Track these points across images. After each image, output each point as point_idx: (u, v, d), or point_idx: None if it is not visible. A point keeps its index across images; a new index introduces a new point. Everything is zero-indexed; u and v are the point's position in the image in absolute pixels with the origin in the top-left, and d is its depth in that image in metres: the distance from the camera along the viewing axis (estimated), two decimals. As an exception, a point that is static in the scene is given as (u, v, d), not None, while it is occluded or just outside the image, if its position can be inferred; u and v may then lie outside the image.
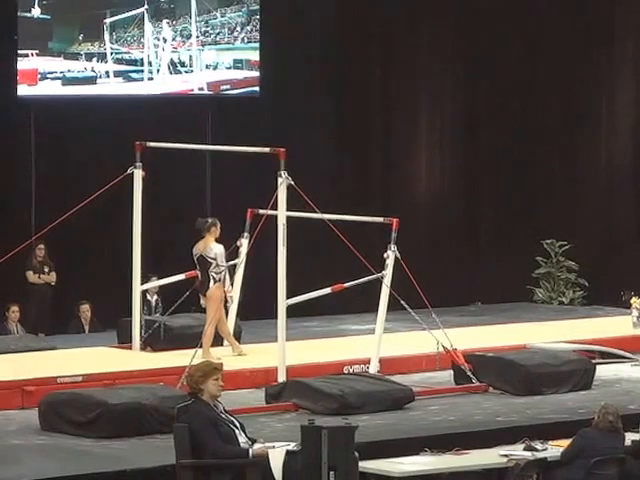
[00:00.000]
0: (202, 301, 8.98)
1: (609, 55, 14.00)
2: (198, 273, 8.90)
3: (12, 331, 10.99)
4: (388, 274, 8.56)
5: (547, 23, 13.68)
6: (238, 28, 12.54)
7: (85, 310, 11.41)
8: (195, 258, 8.90)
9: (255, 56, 12.58)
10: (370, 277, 8.68)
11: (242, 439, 6.15)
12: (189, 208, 12.47)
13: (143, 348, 9.18)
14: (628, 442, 6.76)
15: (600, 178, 14.08)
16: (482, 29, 13.44)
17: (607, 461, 6.59)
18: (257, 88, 12.53)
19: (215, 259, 8.79)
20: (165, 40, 12.10)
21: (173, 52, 12.36)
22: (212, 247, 8.83)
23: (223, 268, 8.77)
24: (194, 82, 12.43)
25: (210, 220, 8.94)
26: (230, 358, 8.51)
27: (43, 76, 11.77)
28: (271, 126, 11.98)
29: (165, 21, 12.04)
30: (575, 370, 8.54)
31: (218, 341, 9.22)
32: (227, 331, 9.01)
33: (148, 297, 10.86)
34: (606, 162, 14.08)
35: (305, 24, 12.72)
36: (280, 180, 8.25)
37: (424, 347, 8.84)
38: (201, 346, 8.51)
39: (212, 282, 8.80)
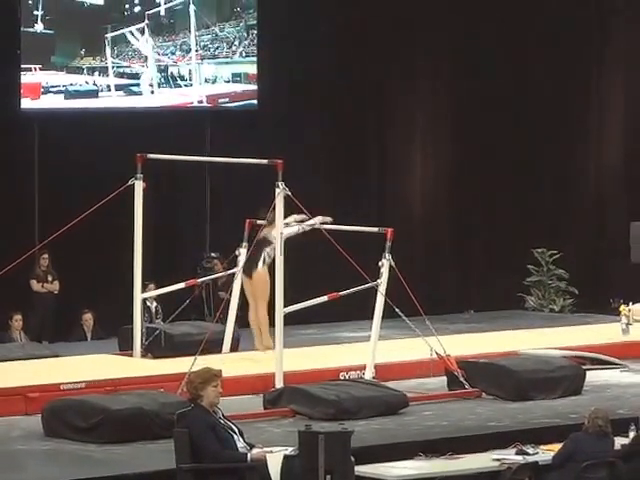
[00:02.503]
0: (244, 284, 8.90)
1: (599, 62, 14.17)
2: (240, 251, 8.71)
3: (16, 339, 11.09)
4: (383, 282, 8.66)
5: (539, 34, 13.86)
6: (236, 42, 12.70)
7: (87, 319, 11.52)
8: (255, 240, 8.84)
9: (253, 70, 12.71)
10: (365, 285, 8.81)
11: (240, 444, 6.24)
12: (189, 218, 12.64)
13: (144, 355, 9.26)
14: (618, 446, 6.85)
15: (590, 188, 14.25)
16: (476, 45, 13.60)
17: (597, 465, 6.68)
18: (255, 101, 12.66)
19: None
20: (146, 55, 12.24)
21: (172, 66, 12.55)
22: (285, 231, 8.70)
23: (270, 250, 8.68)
24: (193, 95, 12.54)
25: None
26: (229, 365, 8.53)
27: (46, 90, 11.89)
28: (269, 138, 12.14)
29: (145, 37, 12.12)
30: (566, 376, 8.62)
31: (218, 346, 9.37)
32: (261, 303, 8.89)
33: (148, 304, 10.98)
34: (595, 172, 14.25)
35: (302, 38, 12.86)
36: (278, 191, 8.38)
37: (418, 354, 8.91)
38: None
39: (262, 263, 8.80)
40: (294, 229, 8.95)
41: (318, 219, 8.98)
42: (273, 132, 12.44)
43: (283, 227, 8.58)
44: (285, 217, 8.60)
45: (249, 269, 9.00)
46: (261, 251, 8.94)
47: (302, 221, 9.00)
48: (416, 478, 6.64)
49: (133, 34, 12.08)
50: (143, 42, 12.05)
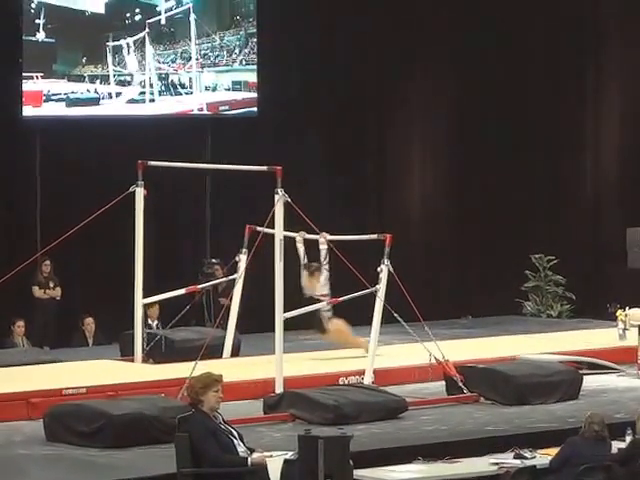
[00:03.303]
0: (324, 339, 9.26)
1: (596, 71, 14.25)
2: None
3: (18, 345, 11.14)
4: (382, 288, 8.74)
5: (535, 44, 13.94)
6: (236, 51, 12.79)
7: (89, 323, 11.58)
8: (306, 296, 9.17)
9: (253, 78, 12.78)
10: (365, 291, 8.91)
11: (241, 448, 6.28)
12: (189, 225, 12.71)
13: (145, 360, 9.33)
14: (614, 450, 6.90)
15: (586, 194, 14.34)
16: (473, 56, 13.65)
17: (594, 468, 6.72)
18: (255, 109, 12.73)
19: (325, 295, 9.11)
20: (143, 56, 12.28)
21: (173, 74, 12.64)
22: (320, 287, 9.13)
23: (326, 298, 9.04)
24: (194, 103, 12.60)
25: (315, 265, 9.21)
26: (229, 370, 8.50)
27: (48, 97, 11.94)
28: (269, 145, 12.23)
29: (132, 54, 12.08)
30: (563, 380, 8.69)
31: (219, 352, 9.42)
32: (351, 339, 9.21)
33: (149, 322, 11.00)
34: (592, 178, 14.34)
35: (302, 46, 12.92)
36: (277, 197, 8.46)
37: (417, 359, 8.99)
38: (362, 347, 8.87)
39: (325, 320, 9.10)
40: (326, 273, 9.14)
41: (324, 237, 9.09)
42: (273, 139, 12.52)
43: (298, 241, 8.93)
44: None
45: (320, 327, 9.25)
46: (315, 312, 9.14)
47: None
48: (415, 482, 6.73)
49: (129, 45, 12.16)
50: (132, 57, 12.11)
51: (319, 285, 9.20)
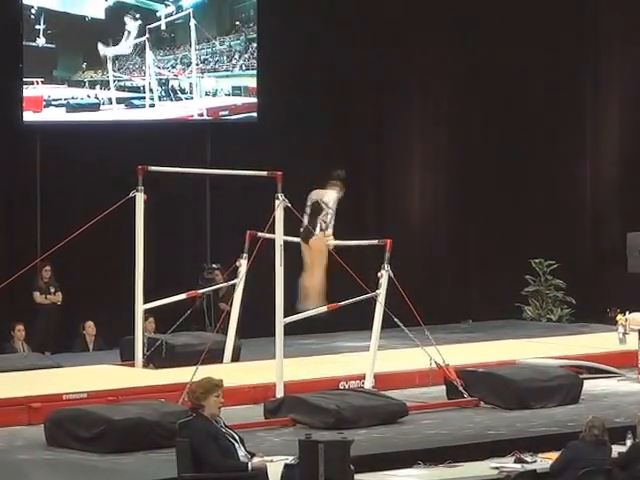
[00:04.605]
0: (303, 251, 9.05)
1: (595, 73, 14.29)
2: (304, 219, 8.91)
3: (18, 350, 11.19)
4: (382, 293, 8.75)
5: (535, 46, 13.98)
6: (236, 56, 12.83)
7: (90, 326, 11.62)
8: (309, 203, 9.05)
9: (253, 83, 12.82)
10: (365, 296, 8.91)
11: (241, 453, 6.29)
12: (190, 230, 12.74)
13: (145, 365, 9.35)
14: (615, 454, 6.91)
15: (586, 198, 14.36)
16: (473, 56, 13.68)
17: (595, 472, 6.74)
18: (255, 114, 12.76)
19: (328, 205, 8.98)
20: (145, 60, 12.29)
21: (173, 79, 12.67)
22: (331, 196, 9.01)
23: (331, 213, 8.90)
24: (194, 108, 12.63)
25: (340, 173, 9.08)
26: (230, 375, 8.49)
27: (48, 103, 11.98)
28: (269, 150, 12.26)
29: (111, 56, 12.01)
30: (563, 385, 8.71)
31: (219, 357, 9.46)
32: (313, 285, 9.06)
33: (145, 334, 10.94)
34: (592, 182, 14.37)
35: (301, 51, 12.97)
36: (277, 202, 8.49)
37: (417, 363, 9.00)
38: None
39: (318, 229, 8.95)
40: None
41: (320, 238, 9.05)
42: (273, 144, 12.55)
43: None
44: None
45: (306, 236, 9.09)
46: (315, 218, 9.04)
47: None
48: (415, 486, 6.75)
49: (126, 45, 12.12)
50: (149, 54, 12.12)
51: (331, 194, 9.03)
